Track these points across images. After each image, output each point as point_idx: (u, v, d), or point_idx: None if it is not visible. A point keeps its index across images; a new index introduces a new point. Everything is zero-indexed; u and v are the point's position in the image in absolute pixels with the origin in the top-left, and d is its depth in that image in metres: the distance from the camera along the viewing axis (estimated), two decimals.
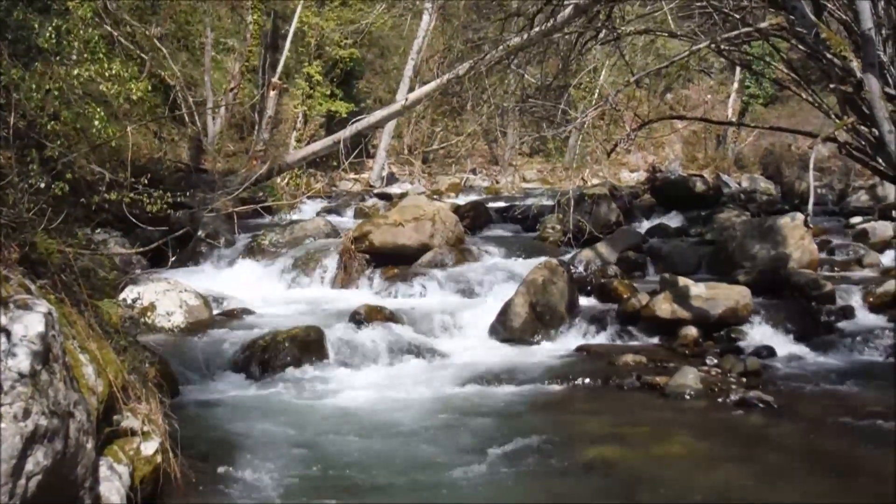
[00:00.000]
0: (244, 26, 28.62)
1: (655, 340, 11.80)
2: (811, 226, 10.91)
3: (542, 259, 13.37)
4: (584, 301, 13.06)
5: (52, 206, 6.38)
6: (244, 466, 6.98)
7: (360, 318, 11.79)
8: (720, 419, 8.86)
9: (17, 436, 4.36)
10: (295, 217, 19.77)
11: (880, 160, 9.03)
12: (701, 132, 37.24)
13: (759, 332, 11.78)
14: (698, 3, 11.65)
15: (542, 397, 9.51)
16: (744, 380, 9.96)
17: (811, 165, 9.37)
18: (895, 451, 7.69)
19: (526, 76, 15.02)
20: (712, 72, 29.30)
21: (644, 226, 19.26)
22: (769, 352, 11.11)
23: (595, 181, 25.33)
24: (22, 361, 4.50)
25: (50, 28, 6.80)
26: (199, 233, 16.10)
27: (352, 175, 30.32)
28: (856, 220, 19.31)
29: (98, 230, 12.10)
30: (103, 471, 5.38)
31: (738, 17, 10.96)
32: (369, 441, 7.81)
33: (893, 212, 19.69)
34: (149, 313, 10.76)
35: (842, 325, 12.17)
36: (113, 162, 8.50)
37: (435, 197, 24.47)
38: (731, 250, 14.44)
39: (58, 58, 7.00)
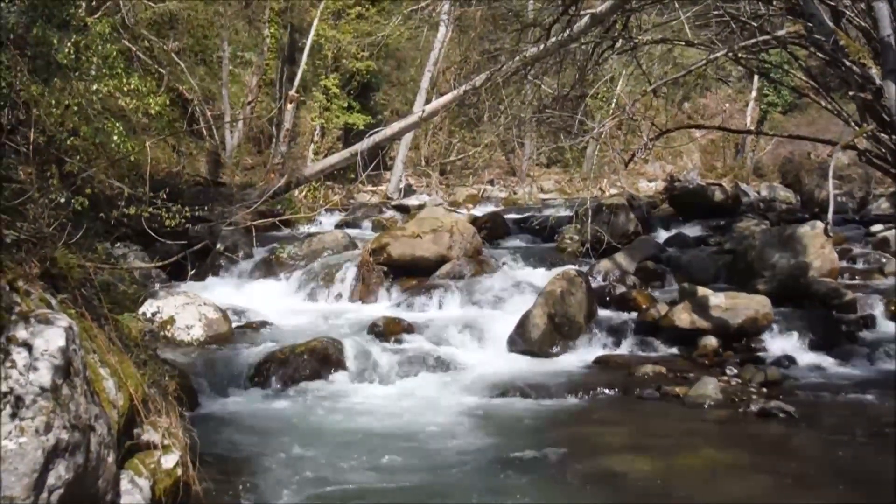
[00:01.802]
0: (261, 40, 28.72)
1: (675, 350, 11.78)
2: (831, 234, 10.85)
3: (561, 270, 13.36)
4: (602, 312, 13.02)
5: (72, 221, 6.40)
6: (264, 479, 6.99)
7: (379, 330, 11.82)
8: (740, 429, 8.83)
9: (39, 450, 4.38)
10: (313, 230, 19.84)
11: None
12: (719, 141, 37.15)
13: (779, 342, 11.76)
14: (715, 12, 11.62)
15: (562, 409, 9.50)
16: (764, 390, 9.93)
17: (831, 173, 9.33)
18: None
19: (543, 87, 15.00)
20: (730, 80, 29.21)
21: (662, 235, 19.21)
22: (789, 361, 11.09)
23: (613, 191, 25.36)
24: (43, 376, 4.51)
25: (69, 44, 6.81)
26: (218, 246, 16.14)
27: (369, 187, 30.37)
28: (877, 228, 19.19)
29: (118, 244, 12.15)
30: (124, 484, 5.38)
31: (755, 25, 10.94)
32: (388, 453, 7.79)
33: None
34: (168, 327, 10.80)
35: (863, 334, 12.15)
36: (132, 176, 8.51)
37: (452, 208, 24.45)
38: (750, 259, 14.38)
39: (77, 73, 7.01)
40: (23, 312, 4.75)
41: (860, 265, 15.97)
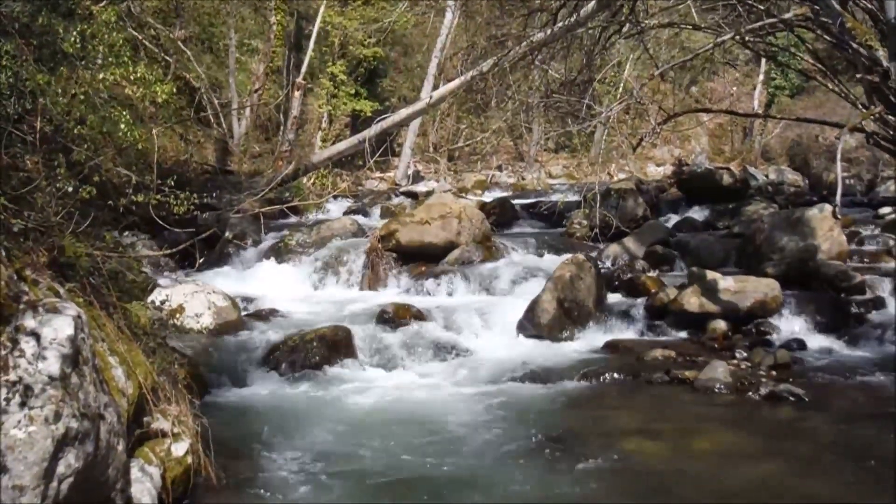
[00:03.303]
0: (268, 27, 28.71)
1: (684, 335, 11.76)
2: (840, 217, 10.84)
3: (570, 255, 13.34)
4: (611, 296, 13.02)
5: (80, 210, 6.40)
6: (274, 466, 7.00)
7: (388, 316, 11.80)
8: (750, 413, 8.83)
9: (49, 438, 4.39)
10: (321, 217, 19.84)
11: None
12: (727, 125, 37.11)
13: (788, 325, 11.74)
14: None
15: (571, 393, 9.49)
16: (774, 373, 9.91)
17: (839, 156, 9.29)
18: None
19: (550, 72, 14.96)
20: (737, 64, 29.15)
21: (671, 220, 19.19)
22: (799, 344, 11.06)
23: (621, 176, 25.36)
24: (52, 364, 4.52)
25: (75, 33, 6.81)
26: (227, 234, 16.13)
27: (377, 174, 30.36)
28: (885, 210, 19.16)
29: (126, 233, 12.14)
30: (134, 472, 5.40)
31: (762, 7, 10.91)
32: (398, 439, 7.80)
33: None
34: (177, 315, 10.80)
35: (872, 316, 12.09)
36: (139, 165, 8.51)
37: (461, 194, 24.43)
38: (759, 243, 14.35)
39: (83, 62, 7.01)
40: (31, 301, 4.77)
41: (869, 247, 15.91)
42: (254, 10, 28.27)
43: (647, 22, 12.67)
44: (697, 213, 19.75)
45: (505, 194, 25.83)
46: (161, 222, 8.26)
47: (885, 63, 8.69)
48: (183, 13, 22.58)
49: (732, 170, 23.49)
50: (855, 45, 9.00)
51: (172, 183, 7.92)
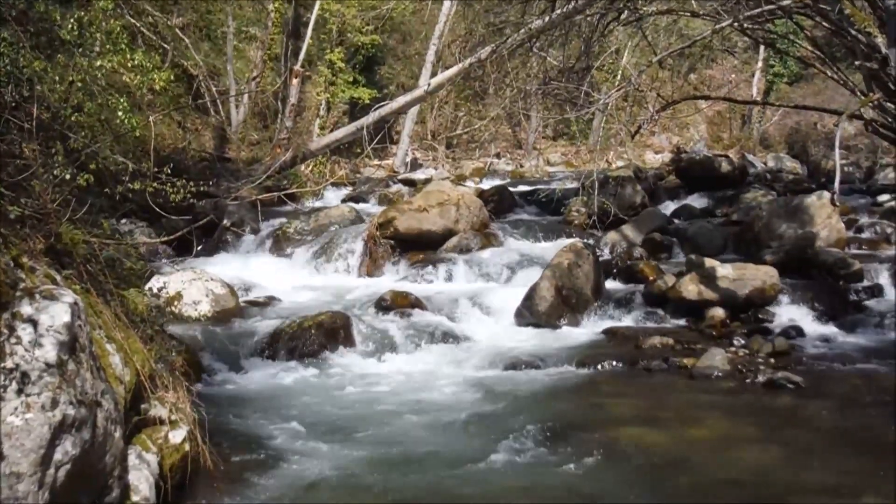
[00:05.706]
0: (265, 14, 28.65)
1: (682, 322, 11.76)
2: (838, 204, 10.84)
3: (568, 242, 13.35)
4: (610, 284, 13.03)
5: (77, 197, 6.39)
6: (272, 453, 7.00)
7: (386, 304, 11.80)
8: (748, 400, 8.82)
9: (45, 426, 4.38)
10: (319, 204, 19.83)
11: None
12: (726, 112, 37.07)
13: (786, 312, 11.74)
14: None
15: (570, 381, 9.49)
16: (772, 360, 9.91)
17: (837, 143, 9.29)
18: None
19: (548, 59, 14.94)
20: (736, 51, 29.06)
21: (669, 207, 19.18)
22: (797, 332, 11.06)
23: (619, 163, 25.36)
24: (49, 352, 4.51)
25: (72, 20, 6.82)
26: (224, 221, 16.14)
27: (375, 161, 30.34)
28: (883, 197, 19.16)
29: (123, 220, 12.16)
30: (132, 459, 5.39)
31: None
32: (396, 426, 7.81)
33: None
34: (175, 303, 10.79)
35: (870, 303, 12.12)
36: (137, 152, 8.52)
37: (459, 182, 24.41)
38: (757, 230, 14.36)
39: (80, 49, 7.01)
40: (28, 288, 4.75)
41: (867, 235, 15.94)
42: None
43: (645, 9, 12.64)
44: (696, 201, 19.75)
45: (503, 182, 25.79)
46: (158, 210, 8.26)
47: (883, 50, 8.69)
48: (180, 0, 22.55)
49: (731, 157, 23.51)
50: (853, 32, 8.99)
51: (170, 170, 7.91)
